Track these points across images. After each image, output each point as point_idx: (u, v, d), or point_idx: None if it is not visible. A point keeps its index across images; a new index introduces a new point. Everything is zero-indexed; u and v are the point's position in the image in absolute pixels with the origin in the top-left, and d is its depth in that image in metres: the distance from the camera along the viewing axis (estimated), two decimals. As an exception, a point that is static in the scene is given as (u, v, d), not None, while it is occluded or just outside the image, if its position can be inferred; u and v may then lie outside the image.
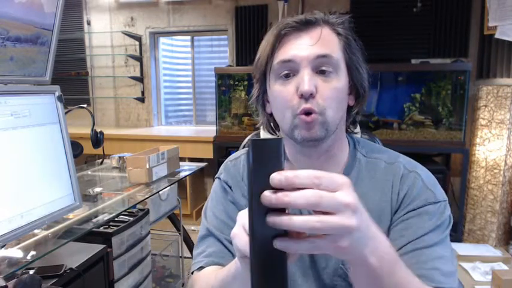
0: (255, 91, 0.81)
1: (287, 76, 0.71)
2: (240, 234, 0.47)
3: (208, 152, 3.51)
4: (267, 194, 0.40)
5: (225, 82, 3.56)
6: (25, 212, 0.98)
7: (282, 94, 0.71)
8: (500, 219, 3.02)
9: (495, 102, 2.98)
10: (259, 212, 0.41)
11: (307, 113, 0.68)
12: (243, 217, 0.47)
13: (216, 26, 4.01)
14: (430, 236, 0.68)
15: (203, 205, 3.44)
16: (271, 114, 0.81)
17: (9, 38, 0.98)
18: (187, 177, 3.38)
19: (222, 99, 3.57)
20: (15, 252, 1.12)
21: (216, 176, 0.89)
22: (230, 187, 0.84)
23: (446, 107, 3.12)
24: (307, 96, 0.67)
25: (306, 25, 0.71)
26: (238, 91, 3.53)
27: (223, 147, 3.60)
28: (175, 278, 2.45)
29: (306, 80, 0.67)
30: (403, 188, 0.74)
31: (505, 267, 2.63)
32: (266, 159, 0.41)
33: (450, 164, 3.35)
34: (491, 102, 3.01)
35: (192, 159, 3.47)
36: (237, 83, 3.53)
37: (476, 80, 3.33)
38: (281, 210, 0.41)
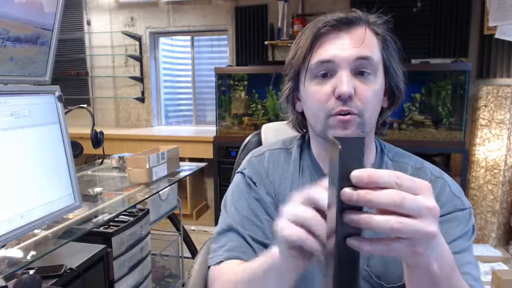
0: (285, 89, 0.79)
1: (324, 76, 0.69)
2: (290, 227, 0.45)
3: (208, 152, 3.51)
4: (348, 191, 0.39)
5: (225, 82, 3.56)
6: (25, 212, 0.98)
7: (318, 94, 0.70)
8: (500, 219, 3.02)
9: (495, 102, 2.98)
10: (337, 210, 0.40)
11: (344, 113, 0.67)
12: (291, 209, 0.46)
13: (216, 26, 4.01)
14: (459, 241, 0.69)
15: (203, 205, 3.46)
16: (301, 113, 0.80)
17: (9, 38, 0.98)
18: (187, 177, 3.38)
19: (222, 99, 3.56)
20: (15, 252, 1.12)
21: (239, 170, 0.86)
22: (255, 183, 0.81)
23: (446, 107, 3.12)
24: (345, 98, 0.66)
25: (346, 24, 0.69)
26: (238, 91, 3.53)
27: (223, 147, 3.60)
28: (175, 278, 2.45)
29: (345, 81, 0.66)
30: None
31: (505, 267, 2.63)
32: (348, 157, 0.39)
33: (450, 164, 3.35)
34: (491, 102, 3.01)
35: (192, 159, 3.47)
36: (237, 83, 3.53)
37: (476, 80, 3.33)
38: (357, 209, 0.40)
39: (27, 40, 1.04)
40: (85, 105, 2.07)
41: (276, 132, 1.26)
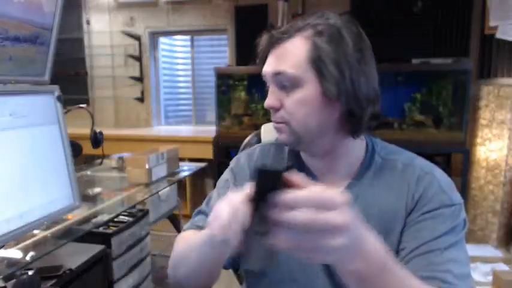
0: None
1: (267, 89, 0.76)
2: (214, 218, 0.54)
3: (208, 152, 3.50)
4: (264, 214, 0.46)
5: (225, 82, 3.55)
6: (24, 213, 0.97)
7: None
8: (501, 219, 3.01)
9: (496, 102, 2.97)
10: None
11: (277, 122, 0.75)
12: (225, 203, 0.53)
13: (216, 25, 4.01)
14: (443, 238, 0.68)
15: (203, 205, 3.34)
16: None
17: (8, 37, 0.97)
18: (187, 178, 3.37)
19: (221, 99, 3.56)
20: (14, 253, 1.11)
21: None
22: (235, 176, 0.88)
23: (446, 107, 3.12)
24: (271, 110, 0.74)
25: (277, 40, 0.72)
26: (238, 91, 3.53)
27: (223, 148, 3.60)
28: (175, 278, 2.44)
29: (268, 96, 0.74)
30: (419, 189, 0.73)
31: (505, 267, 2.62)
32: (265, 186, 0.46)
33: (451, 164, 3.35)
34: (492, 102, 3.00)
35: (191, 160, 3.46)
36: (237, 83, 3.53)
37: (477, 80, 3.32)
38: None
39: (26, 40, 1.03)
40: (84, 105, 2.06)
41: (275, 133, 1.25)
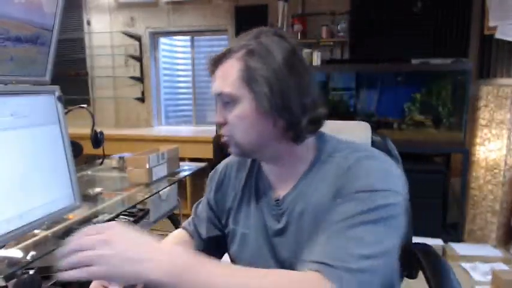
0: None
1: None
2: None
3: (208, 152, 3.50)
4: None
5: (225, 82, 3.55)
6: (25, 212, 0.97)
7: None
8: (501, 219, 3.02)
9: (495, 102, 2.98)
10: None
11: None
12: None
13: (216, 26, 4.01)
14: (351, 220, 0.67)
15: (203, 205, 3.31)
16: None
17: (9, 38, 0.98)
18: (187, 178, 3.38)
19: (222, 99, 3.56)
20: (15, 253, 1.11)
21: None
22: (211, 186, 1.01)
23: (446, 107, 3.12)
24: (219, 126, 0.82)
25: (216, 63, 0.80)
26: (238, 91, 3.53)
27: (223, 148, 3.59)
28: (175, 278, 2.44)
29: (216, 113, 0.82)
30: (346, 177, 0.74)
31: (505, 267, 2.63)
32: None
33: (450, 164, 3.35)
34: (491, 102, 3.00)
35: (192, 160, 3.47)
36: (237, 83, 3.52)
37: (476, 80, 3.32)
38: None
39: (27, 40, 1.04)
40: (85, 105, 2.07)
41: None
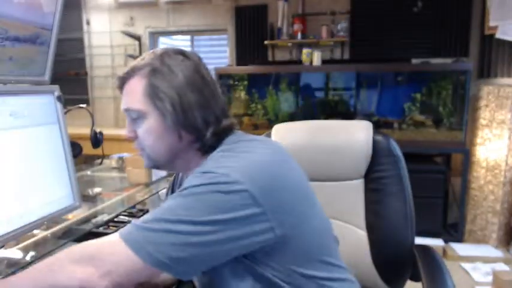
0: None
1: None
2: None
3: (208, 152, 3.50)
4: None
5: (225, 82, 3.55)
6: (24, 213, 0.97)
7: None
8: (501, 219, 3.01)
9: (496, 102, 2.98)
10: None
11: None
12: None
13: (216, 25, 4.01)
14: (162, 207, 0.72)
15: (203, 205, 3.35)
16: None
17: (8, 37, 0.97)
18: (187, 178, 3.37)
19: (222, 99, 3.55)
20: (14, 253, 1.11)
21: None
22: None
23: (446, 107, 3.11)
24: (131, 140, 0.86)
25: (123, 80, 0.85)
26: (238, 91, 3.53)
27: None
28: (175, 278, 2.44)
29: (126, 128, 0.86)
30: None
31: (506, 267, 2.62)
32: None
33: (451, 164, 3.35)
34: (492, 102, 3.00)
35: (192, 160, 3.47)
36: (237, 83, 3.52)
37: (477, 80, 3.32)
38: None
39: (27, 40, 1.03)
40: (84, 105, 2.06)
41: (287, 133, 1.26)
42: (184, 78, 0.80)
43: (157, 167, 0.90)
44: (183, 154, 0.85)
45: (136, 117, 0.82)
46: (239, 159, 0.75)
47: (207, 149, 0.83)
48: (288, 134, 1.25)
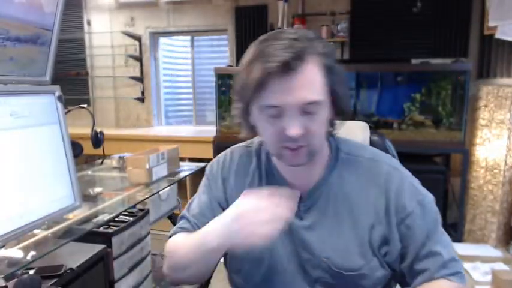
0: (237, 108, 0.83)
1: (274, 116, 0.72)
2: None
3: (208, 152, 3.51)
4: None
5: (225, 82, 3.56)
6: (25, 212, 0.97)
7: (269, 131, 0.75)
8: (501, 219, 3.02)
9: (495, 102, 2.98)
10: None
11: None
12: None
13: (216, 26, 4.01)
14: (432, 235, 0.78)
15: (203, 205, 3.30)
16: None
17: (9, 38, 0.98)
18: (188, 178, 3.37)
19: (222, 99, 3.56)
20: (15, 252, 1.11)
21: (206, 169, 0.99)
22: (210, 184, 0.94)
23: (446, 107, 3.12)
24: (294, 138, 0.71)
25: (289, 67, 0.68)
26: (238, 91, 3.52)
27: (223, 148, 3.56)
28: (175, 278, 2.44)
29: (293, 125, 0.70)
30: (391, 187, 0.79)
31: (505, 267, 2.63)
32: None
33: (450, 164, 3.35)
34: (491, 102, 3.01)
35: (192, 159, 3.46)
36: (237, 83, 3.52)
37: (476, 80, 3.33)
38: None
39: (27, 40, 1.04)
40: (85, 105, 2.07)
41: None
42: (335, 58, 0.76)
43: (310, 160, 0.78)
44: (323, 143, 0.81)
45: (313, 110, 0.71)
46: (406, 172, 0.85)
47: (333, 132, 0.82)
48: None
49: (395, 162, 0.84)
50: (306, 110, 0.70)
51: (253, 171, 0.89)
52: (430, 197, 0.80)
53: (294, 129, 0.70)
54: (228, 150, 0.97)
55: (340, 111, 0.78)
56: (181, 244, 0.85)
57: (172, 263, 0.85)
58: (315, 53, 0.71)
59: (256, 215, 0.70)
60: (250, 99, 0.74)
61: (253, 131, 0.83)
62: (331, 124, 0.79)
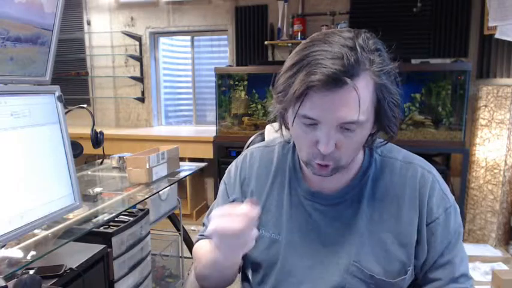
0: (275, 107, 0.76)
1: (310, 125, 0.68)
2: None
3: (208, 152, 3.51)
4: None
5: (225, 82, 3.56)
6: (25, 212, 0.98)
7: (302, 138, 0.72)
8: (500, 219, 3.02)
9: (495, 102, 2.98)
10: None
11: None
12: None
13: (216, 26, 4.01)
14: (453, 245, 0.78)
15: (203, 205, 3.48)
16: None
17: (9, 38, 0.98)
18: (187, 177, 3.38)
19: (222, 99, 3.56)
20: (15, 252, 1.12)
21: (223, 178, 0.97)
22: (227, 189, 0.92)
23: (446, 107, 3.12)
24: (321, 153, 0.69)
25: (335, 84, 0.61)
26: (238, 91, 3.53)
27: (223, 147, 3.60)
28: (175, 278, 2.45)
29: (325, 142, 0.67)
30: (425, 192, 0.77)
31: (505, 267, 2.63)
32: None
33: (450, 164, 3.35)
34: (491, 102, 3.01)
35: (192, 159, 3.47)
36: (237, 83, 3.53)
37: (476, 80, 3.33)
38: None
39: (27, 40, 1.04)
40: (85, 105, 2.07)
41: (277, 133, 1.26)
42: (393, 73, 0.71)
43: (336, 173, 0.75)
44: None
45: (352, 129, 0.66)
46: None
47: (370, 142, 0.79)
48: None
49: (429, 165, 0.82)
50: (344, 127, 0.66)
51: (276, 172, 0.86)
52: (456, 208, 0.79)
53: (325, 146, 0.67)
54: (247, 152, 0.94)
55: (384, 130, 0.74)
56: (200, 255, 0.90)
57: (196, 272, 0.91)
58: (369, 70, 0.64)
59: (230, 242, 0.70)
60: (288, 105, 0.69)
61: (286, 129, 0.80)
62: (372, 137, 0.76)
